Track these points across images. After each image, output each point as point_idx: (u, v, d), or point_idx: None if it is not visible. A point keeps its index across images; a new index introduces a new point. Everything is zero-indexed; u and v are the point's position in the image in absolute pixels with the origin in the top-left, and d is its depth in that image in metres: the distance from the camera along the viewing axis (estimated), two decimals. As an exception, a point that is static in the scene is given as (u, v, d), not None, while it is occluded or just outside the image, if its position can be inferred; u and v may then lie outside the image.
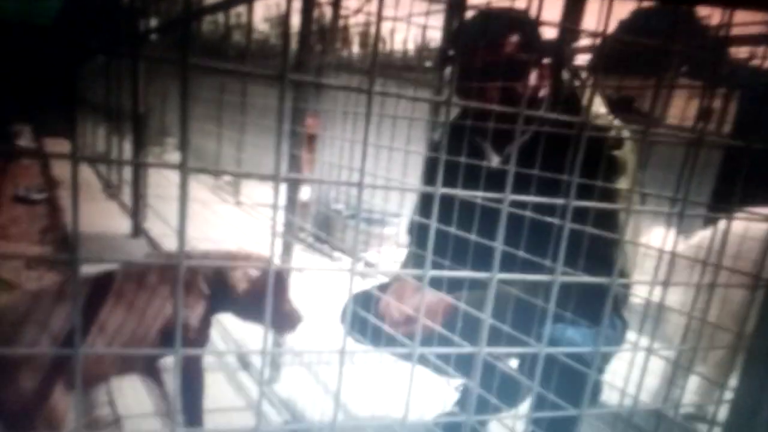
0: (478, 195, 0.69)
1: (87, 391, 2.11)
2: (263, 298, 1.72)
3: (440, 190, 0.64)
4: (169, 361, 1.84)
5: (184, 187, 0.56)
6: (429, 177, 1.98)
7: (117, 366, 1.69)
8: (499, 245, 0.68)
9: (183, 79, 0.55)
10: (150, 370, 1.91)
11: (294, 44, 2.15)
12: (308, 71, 2.35)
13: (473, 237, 1.45)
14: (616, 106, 1.71)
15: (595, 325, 1.43)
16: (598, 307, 0.83)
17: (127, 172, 5.31)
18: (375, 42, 0.63)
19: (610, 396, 1.49)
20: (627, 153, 1.54)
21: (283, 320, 1.82)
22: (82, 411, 1.88)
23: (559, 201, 0.71)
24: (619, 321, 1.69)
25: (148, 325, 1.65)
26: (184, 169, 0.57)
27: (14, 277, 3.51)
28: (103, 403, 2.09)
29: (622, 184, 1.50)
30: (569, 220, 0.73)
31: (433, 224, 0.73)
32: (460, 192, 0.70)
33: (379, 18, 0.62)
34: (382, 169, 1.67)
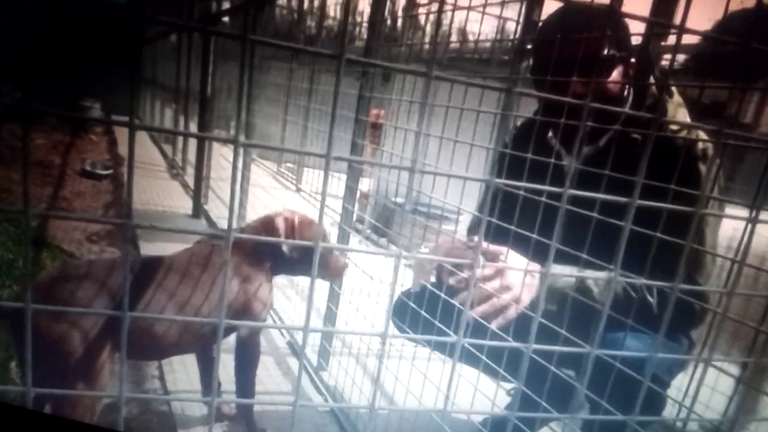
0: (542, 189, 0.65)
1: (139, 365, 2.15)
2: (309, 250, 1.84)
3: (501, 181, 0.60)
4: (230, 340, 1.85)
5: (236, 161, 0.54)
6: (496, 176, 1.91)
7: (173, 345, 1.69)
8: (555, 237, 0.64)
9: (244, 51, 0.53)
10: (206, 350, 1.92)
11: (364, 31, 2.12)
12: (377, 59, 2.32)
13: (534, 236, 1.39)
14: (706, 113, 1.60)
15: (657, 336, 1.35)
16: (663, 320, 0.77)
17: (191, 154, 5.39)
18: (437, 22, 0.59)
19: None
20: (712, 166, 1.45)
21: (331, 268, 1.97)
22: (127, 377, 1.91)
23: (622, 199, 0.65)
24: (686, 339, 1.59)
25: (209, 303, 1.66)
26: (237, 144, 0.55)
27: (75, 250, 3.60)
28: (153, 377, 2.12)
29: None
30: (631, 221, 0.67)
31: (482, 219, 0.69)
32: (522, 184, 0.65)
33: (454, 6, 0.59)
34: (445, 163, 1.62)
